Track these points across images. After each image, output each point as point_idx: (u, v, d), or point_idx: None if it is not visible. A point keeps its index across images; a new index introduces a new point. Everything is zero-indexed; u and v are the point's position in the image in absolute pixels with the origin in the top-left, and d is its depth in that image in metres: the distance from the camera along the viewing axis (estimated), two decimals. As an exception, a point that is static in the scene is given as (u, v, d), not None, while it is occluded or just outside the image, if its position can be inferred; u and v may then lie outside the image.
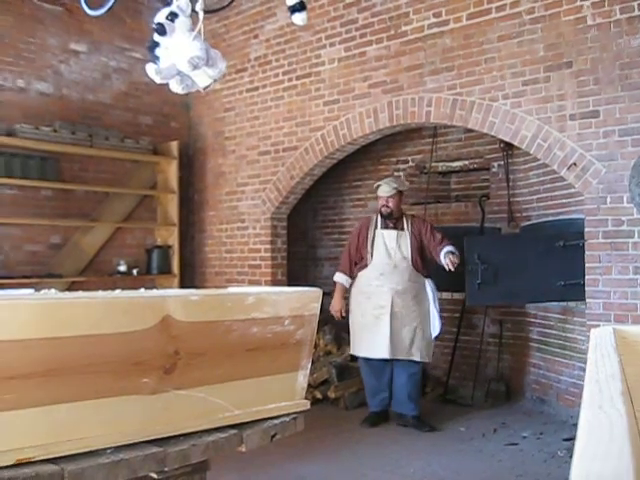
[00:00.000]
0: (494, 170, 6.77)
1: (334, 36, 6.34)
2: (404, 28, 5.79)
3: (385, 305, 5.45)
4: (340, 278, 5.76)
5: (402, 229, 5.63)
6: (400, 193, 5.68)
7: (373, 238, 5.63)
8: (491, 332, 6.69)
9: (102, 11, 3.04)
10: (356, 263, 5.70)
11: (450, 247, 5.46)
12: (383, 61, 5.95)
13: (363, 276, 5.64)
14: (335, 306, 5.73)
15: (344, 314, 5.73)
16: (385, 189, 5.59)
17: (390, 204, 5.58)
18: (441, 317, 5.65)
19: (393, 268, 5.53)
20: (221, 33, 7.33)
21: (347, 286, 5.73)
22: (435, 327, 5.59)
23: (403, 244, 5.58)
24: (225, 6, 3.04)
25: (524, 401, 6.32)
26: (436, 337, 5.67)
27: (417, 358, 5.49)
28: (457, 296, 6.60)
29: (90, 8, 3.14)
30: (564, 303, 5.76)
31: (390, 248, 5.57)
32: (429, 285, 5.63)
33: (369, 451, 5.01)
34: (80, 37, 6.99)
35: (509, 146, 6.20)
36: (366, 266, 5.61)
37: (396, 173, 7.43)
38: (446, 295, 6.62)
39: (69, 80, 6.92)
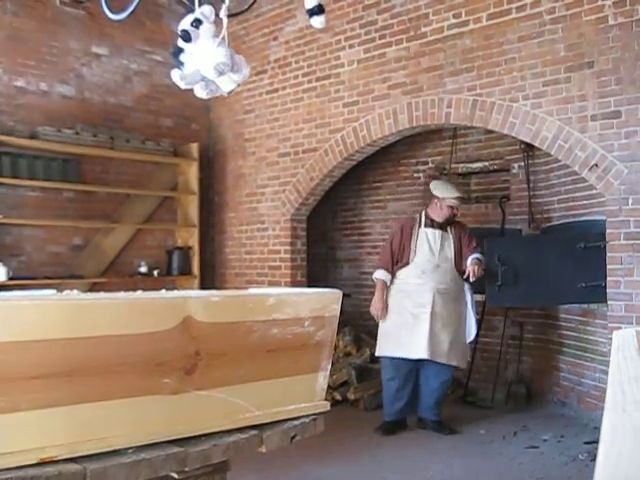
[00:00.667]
0: (514, 171, 6.73)
1: (353, 38, 6.34)
2: (424, 29, 5.78)
3: (426, 304, 5.31)
4: (381, 275, 5.48)
5: (446, 230, 5.50)
6: None
7: (417, 236, 5.46)
8: (511, 334, 6.65)
9: (124, 15, 3.06)
10: (397, 262, 5.49)
11: (478, 254, 5.43)
12: (403, 62, 5.95)
13: (403, 274, 5.45)
14: (377, 304, 5.44)
15: (384, 313, 5.43)
16: (458, 201, 5.48)
17: (457, 213, 5.53)
18: (477, 321, 5.61)
19: (436, 267, 5.38)
20: (241, 35, 7.36)
21: (388, 283, 5.48)
22: (471, 331, 5.51)
23: (447, 245, 5.45)
24: (245, 9, 3.05)
25: (545, 404, 6.27)
26: (470, 342, 5.62)
27: (454, 363, 5.41)
28: (478, 298, 6.56)
29: (112, 12, 3.17)
30: (585, 305, 5.72)
31: (434, 247, 5.42)
32: (468, 289, 5.52)
33: (388, 453, 5.00)
34: (101, 40, 7.05)
35: (530, 147, 6.16)
36: (407, 264, 5.43)
37: (416, 174, 7.42)
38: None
39: (91, 83, 6.99)
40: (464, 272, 5.36)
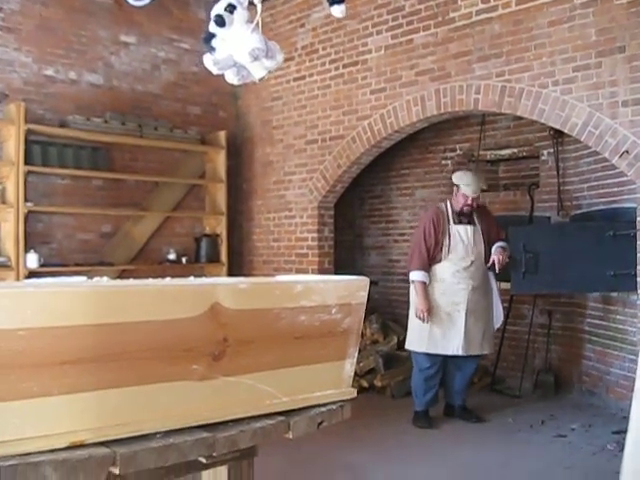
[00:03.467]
0: (544, 158, 6.67)
1: (381, 24, 6.30)
2: (452, 15, 5.72)
3: (461, 302, 5.28)
4: (421, 276, 5.33)
5: (474, 224, 5.44)
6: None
7: (449, 234, 5.35)
8: (540, 322, 6.60)
9: (145, 2, 3.06)
10: (433, 258, 5.37)
11: (502, 243, 5.42)
12: (430, 48, 5.90)
13: (437, 271, 5.36)
14: (422, 305, 5.26)
15: (431, 314, 5.30)
16: (473, 189, 5.33)
17: (474, 204, 5.38)
18: (503, 307, 5.66)
19: (470, 264, 5.34)
20: (268, 22, 7.35)
21: (427, 282, 5.33)
22: (499, 318, 5.58)
23: (478, 240, 5.39)
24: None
25: (573, 393, 6.23)
26: (498, 328, 5.68)
27: (487, 351, 5.50)
28: (505, 286, 6.51)
29: (134, -1, 3.17)
30: (615, 294, 5.66)
31: (468, 246, 5.35)
32: (492, 276, 5.53)
33: (415, 441, 5.01)
34: (129, 29, 7.09)
35: (559, 133, 6.10)
36: (440, 261, 5.34)
37: (444, 162, 7.38)
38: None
39: (119, 71, 7.03)
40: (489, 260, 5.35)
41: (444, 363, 5.46)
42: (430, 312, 5.28)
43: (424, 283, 5.33)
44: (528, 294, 6.38)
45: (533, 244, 5.54)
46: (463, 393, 5.59)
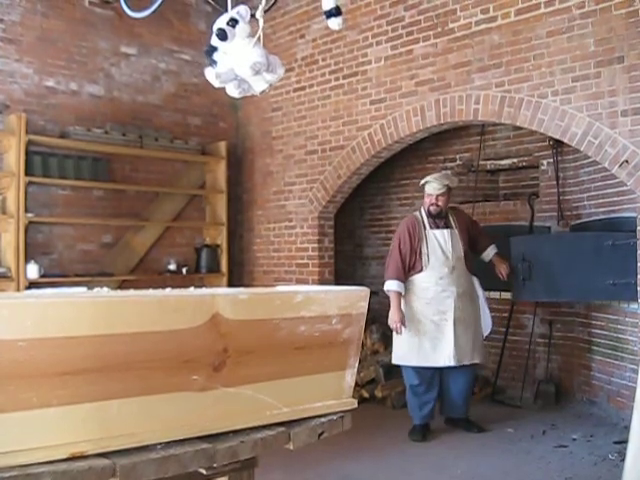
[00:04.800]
0: (543, 168, 6.67)
1: (380, 34, 6.33)
2: (451, 25, 5.74)
3: (447, 310, 5.18)
4: (394, 286, 5.22)
5: (451, 227, 5.36)
6: (449, 190, 5.38)
7: (426, 240, 5.26)
8: (540, 332, 6.59)
9: (145, 13, 3.08)
10: (410, 269, 5.27)
11: (494, 248, 5.49)
12: (430, 59, 5.92)
13: (419, 280, 5.26)
14: (395, 316, 5.18)
15: (404, 326, 5.20)
16: (435, 186, 5.26)
17: (440, 202, 5.27)
18: (490, 315, 5.50)
19: (451, 270, 5.24)
20: (268, 34, 7.36)
21: (403, 293, 5.24)
22: (487, 325, 5.42)
23: (456, 243, 5.30)
24: (270, 6, 3.06)
25: (574, 403, 6.21)
26: (487, 335, 5.54)
27: (477, 360, 5.34)
28: (506, 295, 6.52)
29: (135, 10, 3.19)
30: (616, 303, 5.65)
31: (446, 250, 5.25)
32: (477, 282, 5.44)
33: (416, 451, 4.99)
34: (130, 40, 7.11)
35: (559, 143, 6.10)
36: (421, 270, 5.24)
37: (444, 172, 7.38)
38: (494, 294, 6.54)
39: (120, 82, 7.06)
40: (487, 266, 5.43)
41: (440, 376, 5.36)
42: (403, 323, 5.17)
43: (399, 293, 5.22)
44: (529, 301, 6.38)
45: (533, 253, 5.59)
46: (463, 406, 5.46)
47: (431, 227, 5.33)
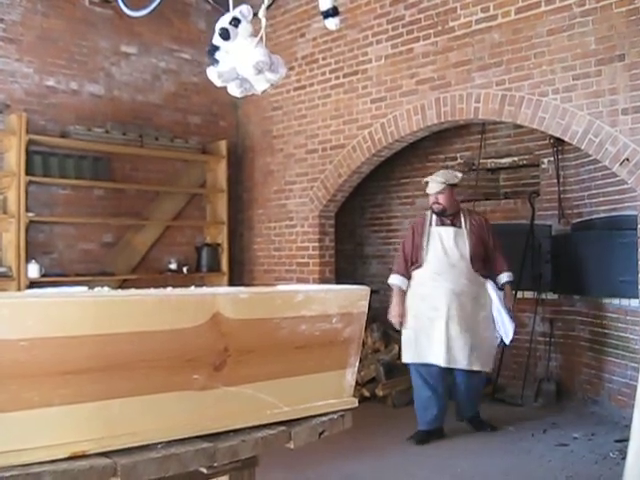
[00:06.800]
0: (544, 166, 6.68)
1: (381, 33, 6.33)
2: (451, 24, 5.74)
3: (440, 307, 5.05)
4: (396, 280, 5.26)
5: (460, 226, 5.22)
6: (451, 187, 5.24)
7: (428, 236, 5.21)
8: (541, 331, 6.59)
9: (144, 12, 3.08)
10: (412, 264, 5.24)
11: (508, 277, 5.30)
12: (430, 57, 5.92)
13: (417, 276, 5.22)
14: (394, 311, 5.22)
15: (404, 320, 5.22)
16: (432, 186, 5.22)
17: (440, 200, 5.19)
18: (513, 321, 5.21)
19: (450, 267, 5.11)
20: (268, 32, 7.27)
21: (404, 288, 5.23)
22: (507, 332, 5.14)
23: (461, 242, 5.16)
24: (270, 4, 3.06)
25: (575, 401, 6.21)
26: (508, 343, 5.30)
27: (477, 367, 5.12)
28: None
29: (134, 9, 3.19)
30: (617, 302, 5.65)
31: (447, 246, 5.14)
32: (491, 287, 5.19)
33: (417, 450, 4.99)
34: (130, 39, 7.11)
35: (559, 142, 6.10)
36: (420, 266, 5.19)
37: (445, 170, 7.35)
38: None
39: (120, 82, 7.06)
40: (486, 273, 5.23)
41: (448, 381, 5.28)
42: (403, 318, 5.19)
43: (399, 288, 5.24)
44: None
45: (555, 251, 6.03)
46: (469, 407, 5.43)
47: (437, 224, 5.26)
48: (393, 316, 5.25)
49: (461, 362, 5.06)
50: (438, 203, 5.22)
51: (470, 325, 5.09)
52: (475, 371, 5.19)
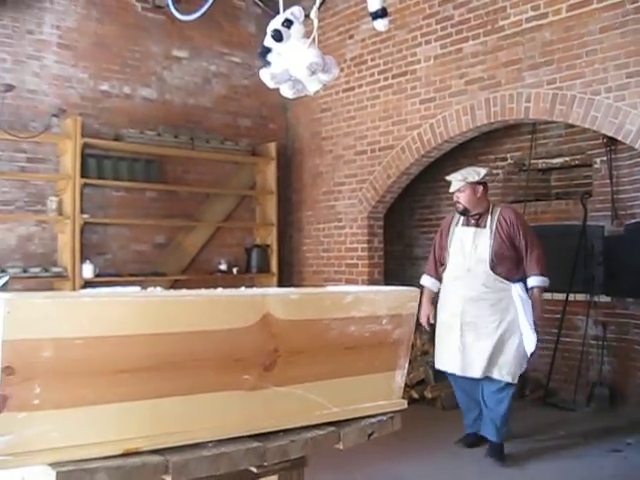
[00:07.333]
0: (597, 166, 6.55)
1: (429, 33, 6.29)
2: (501, 23, 5.68)
3: (456, 313, 4.79)
4: (426, 281, 5.12)
5: (484, 226, 4.82)
6: (474, 185, 4.82)
7: (452, 237, 4.94)
8: (594, 334, 6.46)
9: (194, 16, 3.11)
10: (441, 264, 5.06)
11: (537, 281, 4.76)
12: (480, 57, 5.86)
13: (444, 278, 5.03)
14: (421, 311, 4.95)
15: (432, 321, 5.04)
16: (453, 184, 4.89)
17: (461, 199, 4.84)
18: (536, 330, 4.68)
19: (466, 272, 4.79)
20: (317, 34, 7.38)
21: (434, 289, 5.07)
22: (529, 342, 4.64)
23: (481, 244, 4.77)
24: (320, 4, 3.07)
25: (629, 406, 6.08)
26: (531, 355, 4.76)
27: (496, 376, 4.68)
28: (558, 296, 6.41)
29: (184, 13, 3.23)
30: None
31: (466, 249, 4.82)
32: (517, 292, 4.71)
33: (466, 453, 4.94)
34: (182, 43, 7.22)
35: (612, 141, 5.98)
36: (445, 269, 5.01)
37: (495, 171, 7.29)
38: (546, 295, 6.41)
39: (172, 85, 7.16)
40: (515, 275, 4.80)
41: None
42: (429, 319, 5.03)
43: (427, 289, 5.09)
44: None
45: (607, 253, 6.03)
46: (493, 429, 4.80)
47: (462, 225, 4.95)
48: (420, 317, 4.97)
49: (476, 371, 4.71)
50: (459, 202, 4.88)
51: (489, 333, 4.69)
52: (496, 383, 4.74)
